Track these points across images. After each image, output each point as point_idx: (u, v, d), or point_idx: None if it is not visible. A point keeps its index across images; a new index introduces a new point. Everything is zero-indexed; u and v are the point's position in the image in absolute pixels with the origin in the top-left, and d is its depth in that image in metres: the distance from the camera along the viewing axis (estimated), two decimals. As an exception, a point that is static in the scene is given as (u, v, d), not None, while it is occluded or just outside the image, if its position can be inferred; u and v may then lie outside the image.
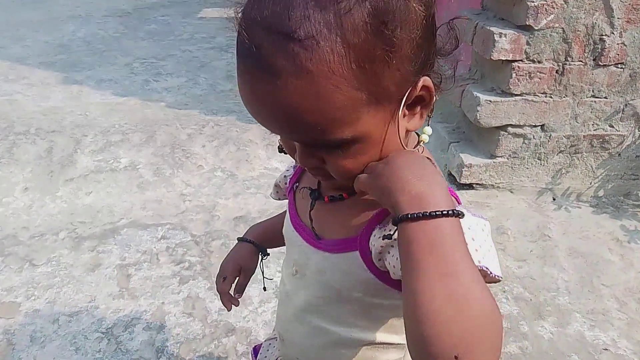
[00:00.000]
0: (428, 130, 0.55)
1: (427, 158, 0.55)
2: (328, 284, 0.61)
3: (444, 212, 0.44)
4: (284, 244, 0.84)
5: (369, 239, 0.55)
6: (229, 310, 0.87)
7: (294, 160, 0.57)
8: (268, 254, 0.88)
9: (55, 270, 1.68)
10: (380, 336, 0.63)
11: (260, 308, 1.53)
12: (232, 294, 0.86)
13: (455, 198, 0.55)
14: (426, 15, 0.47)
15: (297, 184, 0.70)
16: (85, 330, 1.46)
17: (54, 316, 1.51)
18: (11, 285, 1.61)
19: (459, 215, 0.45)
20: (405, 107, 0.50)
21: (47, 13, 4.46)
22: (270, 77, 0.44)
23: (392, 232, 0.50)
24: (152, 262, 1.72)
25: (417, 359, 0.42)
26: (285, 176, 0.77)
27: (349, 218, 0.59)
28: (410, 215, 0.44)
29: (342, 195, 0.60)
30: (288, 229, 0.69)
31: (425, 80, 0.50)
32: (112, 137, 2.41)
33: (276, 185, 0.81)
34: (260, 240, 0.87)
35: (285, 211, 0.86)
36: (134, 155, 2.29)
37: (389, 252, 0.53)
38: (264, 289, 0.92)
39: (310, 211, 0.63)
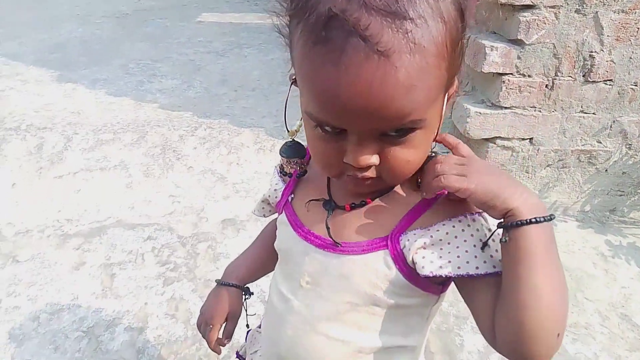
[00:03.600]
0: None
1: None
2: (353, 288, 0.60)
3: (551, 217, 0.51)
4: (268, 272, 0.83)
5: (400, 237, 0.58)
6: (219, 354, 0.84)
7: (326, 169, 0.57)
8: (252, 293, 0.85)
9: (39, 267, 1.67)
10: (398, 339, 0.63)
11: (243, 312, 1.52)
12: (220, 338, 0.82)
13: None
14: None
15: (292, 195, 0.69)
16: (65, 328, 1.45)
17: (35, 314, 1.49)
18: (-7, 281, 1.60)
19: (553, 218, 0.52)
20: None
21: (45, 12, 4.47)
22: (381, 55, 0.44)
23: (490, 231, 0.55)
24: (137, 262, 1.71)
25: (522, 346, 0.50)
26: (275, 190, 0.73)
27: (373, 221, 0.60)
28: (536, 219, 0.50)
29: (363, 201, 0.60)
30: (291, 240, 0.66)
31: (457, 80, 0.55)
32: (103, 136, 2.40)
33: (264, 201, 0.77)
34: (243, 279, 0.83)
35: (264, 232, 0.86)
36: (125, 155, 2.28)
37: (432, 252, 0.56)
38: (247, 325, 0.88)
39: (327, 219, 0.62)
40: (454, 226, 0.56)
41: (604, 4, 1.71)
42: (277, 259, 0.74)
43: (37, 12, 4.45)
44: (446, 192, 0.57)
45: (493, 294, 0.54)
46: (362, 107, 0.47)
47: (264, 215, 0.79)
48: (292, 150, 0.67)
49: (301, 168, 0.68)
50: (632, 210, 2.04)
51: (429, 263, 0.55)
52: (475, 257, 0.54)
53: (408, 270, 0.58)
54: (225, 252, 1.77)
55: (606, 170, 1.98)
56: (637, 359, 1.47)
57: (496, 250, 0.55)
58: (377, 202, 0.60)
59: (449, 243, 0.55)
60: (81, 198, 2.02)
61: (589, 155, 1.95)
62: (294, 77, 0.57)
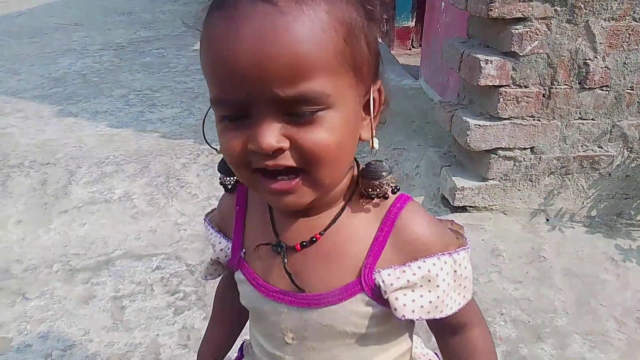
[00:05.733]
0: (375, 141, 0.57)
1: None
2: (340, 333, 0.60)
3: None
4: (238, 336, 0.82)
5: (373, 276, 0.57)
6: None
7: (235, 165, 0.53)
8: None
9: (48, 303, 1.66)
10: (391, 352, 0.65)
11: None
12: None
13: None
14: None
15: (244, 250, 0.65)
16: (78, 364, 1.44)
17: (47, 351, 1.48)
18: (2, 321, 1.58)
19: None
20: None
21: (43, 47, 4.53)
22: (268, 2, 0.45)
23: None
24: (146, 293, 1.70)
25: None
26: (221, 249, 0.68)
27: (335, 263, 0.58)
28: None
29: (313, 237, 0.58)
30: (259, 300, 0.63)
31: (381, 84, 0.55)
32: (106, 168, 2.41)
33: (215, 263, 0.71)
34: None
35: (219, 302, 0.81)
36: (128, 186, 2.29)
37: (404, 294, 0.56)
38: None
39: (284, 266, 0.59)
40: (429, 270, 0.57)
41: (594, 13, 1.74)
42: (242, 320, 0.76)
43: (36, 47, 4.52)
44: (399, 213, 0.58)
45: (449, 325, 0.62)
46: (253, 57, 0.45)
47: (219, 275, 0.74)
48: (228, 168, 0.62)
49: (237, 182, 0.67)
50: (639, 212, 2.04)
51: (402, 306, 0.56)
52: (443, 301, 0.58)
53: (387, 302, 0.58)
54: (234, 278, 1.76)
55: (609, 174, 1.99)
56: (657, 364, 1.46)
57: (462, 287, 0.60)
58: (327, 237, 0.58)
59: (421, 286, 0.57)
60: (87, 231, 2.02)
61: (591, 160, 1.96)
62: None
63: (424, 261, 0.57)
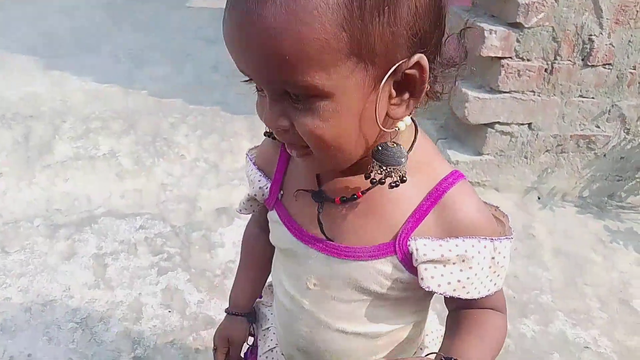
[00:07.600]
0: (407, 119, 0.52)
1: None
2: (363, 289, 0.60)
3: None
4: (267, 278, 0.83)
5: (408, 242, 0.56)
6: None
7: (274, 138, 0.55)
8: (256, 320, 0.85)
9: (29, 258, 1.62)
10: (409, 318, 0.66)
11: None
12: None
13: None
14: None
15: (282, 191, 0.66)
16: (58, 320, 1.41)
17: (27, 305, 1.45)
18: (-20, 273, 1.55)
19: None
20: (393, 87, 0.49)
21: (34, 7, 4.34)
22: None
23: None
24: (129, 252, 1.66)
25: None
26: (260, 187, 0.68)
27: (373, 221, 0.57)
28: None
29: (354, 195, 0.57)
30: (290, 242, 0.63)
31: (421, 58, 0.47)
32: (91, 124, 2.34)
33: (251, 200, 0.72)
34: (246, 306, 0.83)
35: (248, 247, 0.83)
36: (114, 143, 2.23)
37: (435, 267, 0.55)
38: (249, 345, 0.88)
39: (318, 216, 0.59)
40: (466, 250, 0.55)
41: (604, -14, 1.69)
42: (270, 263, 0.75)
43: (27, 6, 4.33)
44: (446, 192, 0.56)
45: (468, 305, 0.60)
46: (243, 51, 0.46)
47: (253, 212, 0.77)
48: None
49: None
50: (630, 195, 2.04)
51: (430, 278, 0.56)
52: (472, 283, 0.56)
53: (416, 270, 0.57)
54: (220, 242, 1.73)
55: (604, 155, 1.97)
56: (636, 342, 1.47)
57: (496, 275, 0.58)
58: (369, 196, 0.57)
59: (454, 263, 0.55)
60: (70, 187, 1.97)
61: (587, 140, 1.94)
62: None
63: (463, 240, 0.55)
